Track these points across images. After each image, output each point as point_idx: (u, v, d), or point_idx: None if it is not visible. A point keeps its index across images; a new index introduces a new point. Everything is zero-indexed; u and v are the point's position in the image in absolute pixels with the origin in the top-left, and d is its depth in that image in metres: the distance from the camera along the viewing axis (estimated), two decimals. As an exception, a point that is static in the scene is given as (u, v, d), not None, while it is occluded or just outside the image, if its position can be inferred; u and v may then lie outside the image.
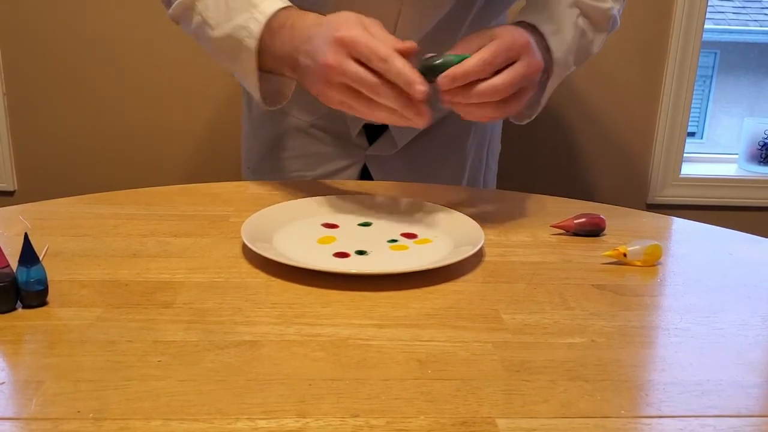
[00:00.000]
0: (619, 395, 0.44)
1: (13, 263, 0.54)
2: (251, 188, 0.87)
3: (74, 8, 1.54)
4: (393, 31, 0.85)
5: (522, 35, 0.69)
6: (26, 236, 0.54)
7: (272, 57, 0.71)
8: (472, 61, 0.65)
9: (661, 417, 0.42)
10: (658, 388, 0.45)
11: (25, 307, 0.53)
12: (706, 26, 1.63)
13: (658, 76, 1.65)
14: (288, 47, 0.69)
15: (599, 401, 0.43)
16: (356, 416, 0.41)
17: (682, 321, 0.55)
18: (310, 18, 0.69)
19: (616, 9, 0.85)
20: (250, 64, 0.72)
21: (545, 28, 0.76)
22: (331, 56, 0.63)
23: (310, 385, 0.44)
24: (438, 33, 0.87)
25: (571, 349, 0.50)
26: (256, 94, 0.76)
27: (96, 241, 0.67)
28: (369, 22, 0.65)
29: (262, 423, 0.40)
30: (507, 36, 0.67)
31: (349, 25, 0.64)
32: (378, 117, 0.64)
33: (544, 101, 0.80)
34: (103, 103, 1.61)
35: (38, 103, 1.61)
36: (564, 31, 0.79)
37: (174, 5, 0.79)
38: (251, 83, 0.75)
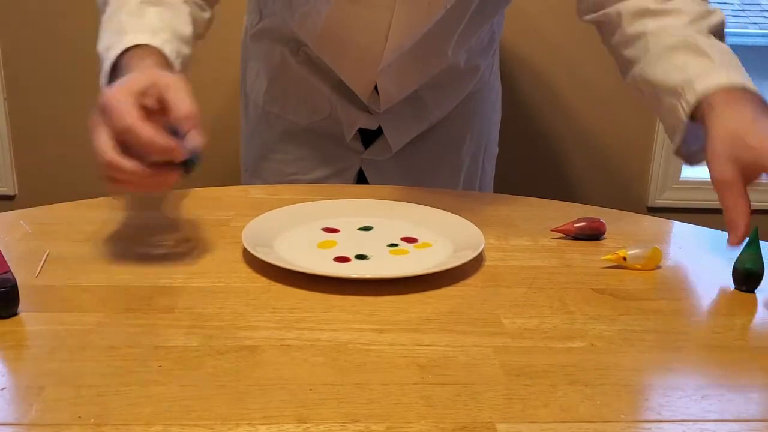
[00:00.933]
0: (619, 399, 0.44)
1: (14, 268, 0.54)
2: (252, 193, 0.87)
3: (75, 12, 1.54)
4: (385, 38, 0.85)
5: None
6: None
7: None
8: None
9: (661, 421, 0.42)
10: (658, 392, 0.45)
11: (186, 172, 0.58)
12: (705, 29, 1.63)
13: (657, 79, 1.65)
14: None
15: (599, 405, 0.43)
16: (356, 421, 0.41)
17: (682, 325, 0.55)
18: (131, 65, 0.67)
19: (720, 14, 0.77)
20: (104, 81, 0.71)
21: (750, 85, 0.70)
22: (93, 118, 0.60)
23: (310, 390, 0.44)
24: (430, 41, 0.88)
25: (571, 353, 0.50)
26: None
27: (96, 246, 0.67)
28: (165, 82, 0.60)
29: (262, 428, 0.40)
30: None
31: (114, 90, 0.59)
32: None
33: None
34: (104, 108, 1.61)
35: (39, 107, 1.61)
36: (739, 66, 0.73)
37: None
38: None
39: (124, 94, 0.58)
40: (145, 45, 0.69)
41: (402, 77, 0.93)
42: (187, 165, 0.59)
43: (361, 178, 1.03)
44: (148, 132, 0.56)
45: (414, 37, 0.85)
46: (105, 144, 0.57)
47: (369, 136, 1.01)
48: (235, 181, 1.11)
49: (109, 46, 0.71)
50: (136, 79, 0.61)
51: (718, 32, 0.77)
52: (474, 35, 0.95)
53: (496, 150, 1.15)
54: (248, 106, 1.07)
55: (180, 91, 0.60)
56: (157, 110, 0.60)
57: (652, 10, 0.78)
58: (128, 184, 0.58)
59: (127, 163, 0.57)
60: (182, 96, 0.59)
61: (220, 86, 1.59)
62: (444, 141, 1.04)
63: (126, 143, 0.57)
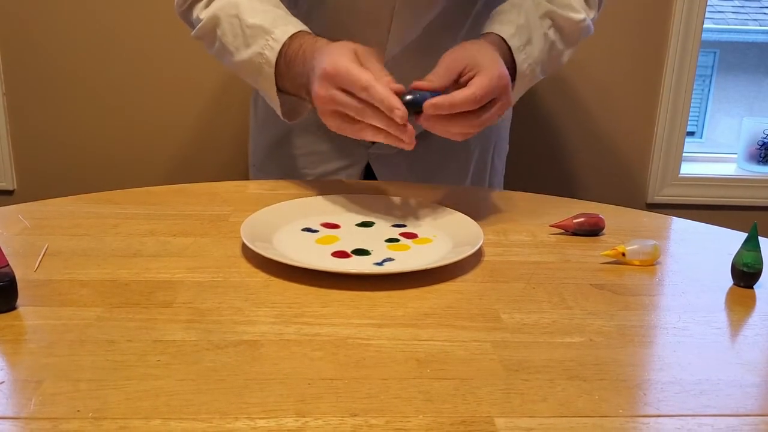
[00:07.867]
0: (618, 394, 0.44)
1: (13, 262, 0.54)
2: (251, 188, 0.87)
3: (74, 9, 1.54)
4: (387, 32, 0.85)
5: (499, 66, 0.72)
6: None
7: (289, 81, 0.76)
8: (460, 97, 0.68)
9: (659, 416, 0.42)
10: (656, 387, 0.45)
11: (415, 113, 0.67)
12: (705, 26, 1.63)
13: (657, 76, 1.65)
14: (301, 75, 0.74)
15: (597, 400, 0.43)
16: (355, 416, 0.41)
17: (681, 320, 0.55)
18: (316, 45, 0.74)
19: (589, 19, 0.87)
20: (270, 88, 0.77)
21: (514, 43, 0.79)
22: (319, 88, 0.68)
23: (309, 384, 0.44)
24: (436, 38, 0.88)
25: (569, 348, 0.50)
26: (278, 112, 0.81)
27: (95, 241, 0.67)
28: (362, 51, 0.69)
29: (261, 422, 0.40)
30: (493, 71, 0.70)
31: (338, 56, 0.67)
32: (367, 137, 0.68)
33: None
34: (103, 103, 1.61)
35: (38, 102, 1.61)
36: (533, 43, 0.82)
37: (197, 29, 0.83)
38: (272, 103, 0.81)
39: (353, 64, 0.66)
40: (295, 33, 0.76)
41: (408, 74, 0.93)
42: (412, 106, 0.66)
43: (368, 174, 1.03)
44: (383, 90, 0.64)
45: (417, 28, 0.86)
46: (347, 100, 0.66)
47: None
48: (243, 177, 1.11)
49: (259, 50, 0.76)
50: (349, 51, 0.68)
51: (562, 28, 0.84)
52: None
53: (507, 148, 1.15)
54: (257, 101, 1.07)
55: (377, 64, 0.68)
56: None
57: None
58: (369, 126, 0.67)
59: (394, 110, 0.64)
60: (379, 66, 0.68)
61: (220, 84, 1.59)
62: None
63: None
